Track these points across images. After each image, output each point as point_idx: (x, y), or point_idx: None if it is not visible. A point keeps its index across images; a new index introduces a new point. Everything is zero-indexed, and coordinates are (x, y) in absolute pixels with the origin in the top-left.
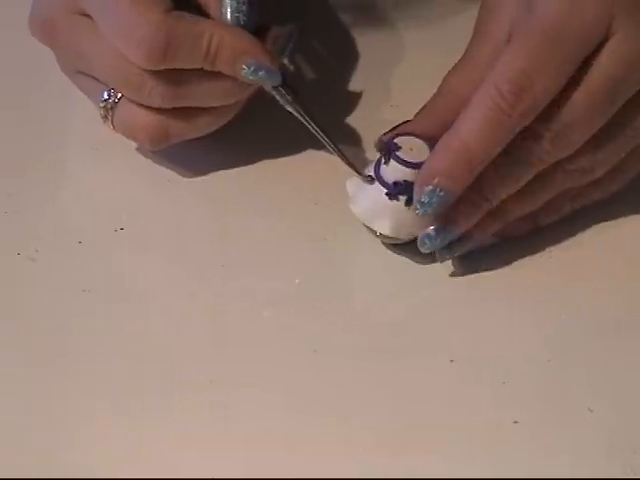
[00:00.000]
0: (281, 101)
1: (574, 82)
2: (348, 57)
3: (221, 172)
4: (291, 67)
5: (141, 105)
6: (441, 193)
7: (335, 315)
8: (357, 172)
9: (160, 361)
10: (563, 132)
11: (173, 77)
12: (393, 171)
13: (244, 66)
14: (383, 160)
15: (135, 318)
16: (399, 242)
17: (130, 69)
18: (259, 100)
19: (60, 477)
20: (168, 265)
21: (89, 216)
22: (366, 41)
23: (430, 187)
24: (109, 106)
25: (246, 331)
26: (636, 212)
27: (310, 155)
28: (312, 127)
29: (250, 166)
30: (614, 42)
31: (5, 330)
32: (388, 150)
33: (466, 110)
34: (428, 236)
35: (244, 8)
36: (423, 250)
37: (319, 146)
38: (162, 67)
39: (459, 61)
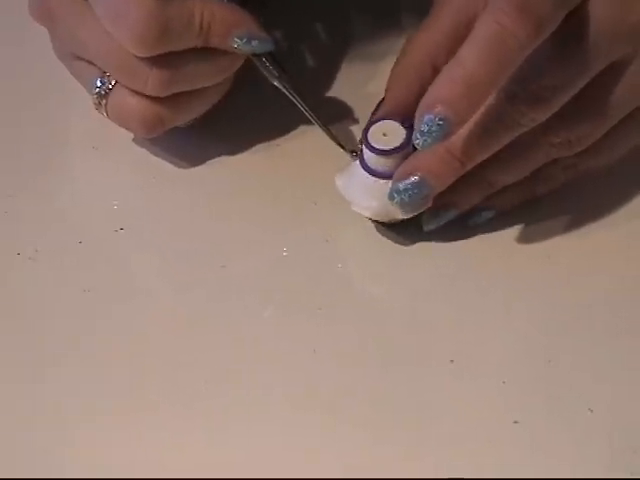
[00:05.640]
0: (268, 75)
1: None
2: (343, 37)
3: (222, 173)
4: (285, 45)
5: (134, 92)
6: (440, 122)
7: (335, 315)
8: (341, 147)
9: (160, 361)
10: (538, 92)
11: (168, 62)
12: (373, 161)
13: (236, 38)
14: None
15: (135, 318)
16: (393, 221)
17: (126, 55)
18: (259, 99)
19: (61, 477)
20: (168, 265)
21: (89, 216)
22: (362, 23)
23: (430, 115)
24: (102, 93)
25: (246, 331)
26: (637, 211)
27: (313, 155)
28: (298, 102)
29: (251, 167)
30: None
31: (5, 330)
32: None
33: (469, 37)
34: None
35: None
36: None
37: (321, 146)
38: (156, 53)
39: (422, 24)
